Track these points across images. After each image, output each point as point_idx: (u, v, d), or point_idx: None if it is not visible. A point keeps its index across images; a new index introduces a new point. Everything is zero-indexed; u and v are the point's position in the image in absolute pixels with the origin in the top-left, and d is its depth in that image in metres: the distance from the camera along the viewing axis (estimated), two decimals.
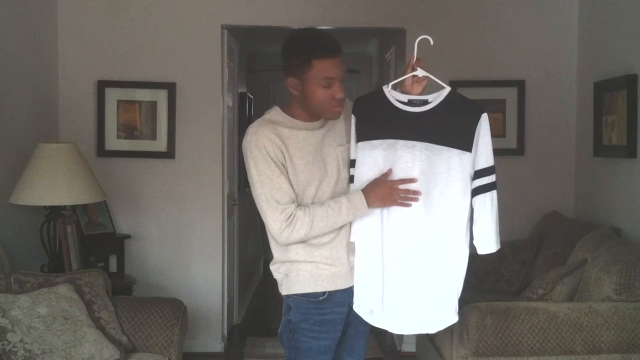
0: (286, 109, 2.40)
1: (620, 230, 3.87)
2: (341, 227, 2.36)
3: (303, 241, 2.33)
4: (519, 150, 4.63)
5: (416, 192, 2.28)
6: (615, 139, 3.97)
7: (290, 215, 2.26)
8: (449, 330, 3.22)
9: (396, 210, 2.32)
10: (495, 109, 4.53)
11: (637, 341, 3.07)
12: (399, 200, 2.29)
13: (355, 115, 2.42)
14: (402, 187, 2.28)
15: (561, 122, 4.67)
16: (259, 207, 2.32)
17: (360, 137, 2.39)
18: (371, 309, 2.41)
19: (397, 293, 2.36)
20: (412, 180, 2.28)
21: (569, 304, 3.21)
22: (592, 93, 4.28)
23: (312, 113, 2.37)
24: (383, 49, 6.13)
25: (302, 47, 2.29)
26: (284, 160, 2.30)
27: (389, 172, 2.31)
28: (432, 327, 2.43)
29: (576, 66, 4.64)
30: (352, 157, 2.42)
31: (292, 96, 2.37)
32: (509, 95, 4.63)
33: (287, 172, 2.31)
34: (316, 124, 2.39)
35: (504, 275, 4.24)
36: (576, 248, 3.64)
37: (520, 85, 4.63)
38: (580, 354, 3.06)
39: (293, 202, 2.29)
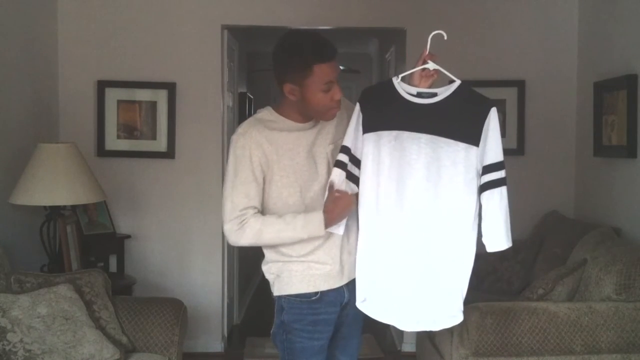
0: (279, 110, 2.39)
1: (620, 230, 3.87)
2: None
3: (253, 245, 2.35)
4: (519, 150, 4.63)
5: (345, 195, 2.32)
6: (615, 139, 3.97)
7: (244, 220, 2.29)
8: (449, 330, 3.22)
9: (399, 204, 2.31)
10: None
11: (637, 341, 3.07)
12: (347, 208, 2.31)
13: (362, 106, 2.39)
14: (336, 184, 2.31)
15: (561, 122, 4.67)
16: (223, 202, 2.34)
17: (367, 129, 2.36)
18: (375, 303, 2.39)
19: (402, 289, 2.34)
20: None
21: (569, 304, 3.21)
22: (592, 93, 4.28)
23: (309, 116, 2.37)
24: (383, 49, 6.14)
25: (301, 53, 2.24)
26: (267, 165, 2.31)
27: (331, 183, 2.33)
28: (438, 324, 2.40)
29: (576, 66, 4.64)
30: (345, 144, 2.37)
31: (286, 99, 2.34)
32: (509, 95, 4.62)
33: (267, 176, 2.31)
34: (308, 124, 2.39)
35: (504, 275, 4.24)
36: (576, 248, 3.64)
37: (520, 85, 4.63)
38: (580, 354, 3.06)
39: (254, 209, 2.31)
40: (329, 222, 2.29)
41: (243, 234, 2.30)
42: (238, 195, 2.30)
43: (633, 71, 3.78)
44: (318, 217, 2.28)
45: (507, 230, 2.31)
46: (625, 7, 3.97)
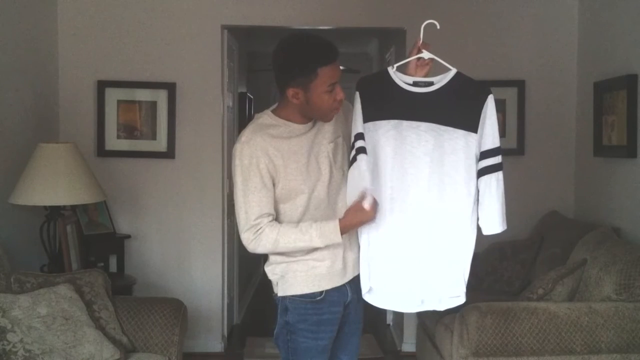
0: (279, 112, 2.38)
1: (620, 230, 3.87)
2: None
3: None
4: (519, 150, 4.63)
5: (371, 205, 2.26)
6: (615, 139, 3.97)
7: (259, 229, 2.29)
8: (449, 330, 3.23)
9: (402, 191, 2.32)
10: (495, 109, 4.52)
11: (637, 341, 3.07)
12: (367, 220, 2.29)
13: (360, 95, 2.38)
14: (367, 205, 2.25)
15: (561, 122, 4.67)
16: (236, 213, 2.34)
17: (365, 118, 2.36)
18: (381, 290, 2.39)
19: (406, 273, 2.35)
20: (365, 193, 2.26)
21: (569, 304, 3.21)
22: (592, 93, 4.28)
23: (311, 117, 2.36)
24: (383, 49, 6.13)
25: (304, 57, 2.24)
26: (275, 170, 2.30)
27: (364, 194, 2.26)
28: (442, 304, 2.41)
29: (576, 66, 4.64)
30: (358, 131, 2.33)
31: (287, 102, 2.33)
32: (509, 95, 4.63)
33: (275, 181, 2.31)
34: (309, 125, 2.38)
35: (503, 275, 4.24)
36: (576, 248, 3.64)
37: (520, 85, 4.63)
38: (580, 354, 3.06)
39: (268, 216, 2.31)
40: (345, 229, 2.30)
41: (260, 244, 2.30)
42: (250, 204, 2.29)
43: (633, 71, 3.78)
44: (334, 226, 2.29)
45: (502, 214, 2.34)
46: (625, 7, 3.96)
